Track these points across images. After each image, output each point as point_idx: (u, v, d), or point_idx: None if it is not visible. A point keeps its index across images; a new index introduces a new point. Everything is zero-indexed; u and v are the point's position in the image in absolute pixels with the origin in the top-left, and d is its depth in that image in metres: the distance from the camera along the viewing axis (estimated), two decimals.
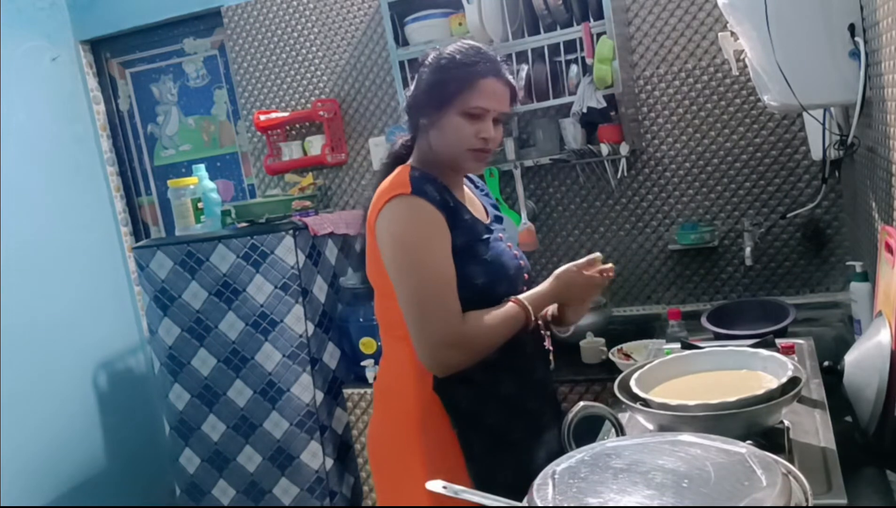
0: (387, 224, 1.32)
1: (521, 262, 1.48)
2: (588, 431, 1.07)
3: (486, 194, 1.60)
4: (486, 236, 1.40)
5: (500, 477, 1.29)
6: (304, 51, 2.90)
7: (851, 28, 1.44)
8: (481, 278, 1.36)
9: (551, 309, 1.51)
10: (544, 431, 1.40)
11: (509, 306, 1.35)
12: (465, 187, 1.50)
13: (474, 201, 1.51)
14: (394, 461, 1.42)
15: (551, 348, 1.53)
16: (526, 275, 1.49)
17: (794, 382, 1.05)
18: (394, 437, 1.42)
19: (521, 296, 1.37)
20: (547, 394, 1.50)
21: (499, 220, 1.54)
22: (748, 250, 2.25)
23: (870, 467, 1.13)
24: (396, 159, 1.48)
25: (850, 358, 1.29)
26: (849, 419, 1.27)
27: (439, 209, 1.32)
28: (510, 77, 1.41)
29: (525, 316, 1.35)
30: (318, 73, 2.90)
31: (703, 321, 2.03)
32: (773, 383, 1.05)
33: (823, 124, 1.69)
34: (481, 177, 1.90)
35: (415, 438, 1.38)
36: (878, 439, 1.14)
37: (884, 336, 1.18)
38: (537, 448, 1.36)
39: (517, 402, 1.40)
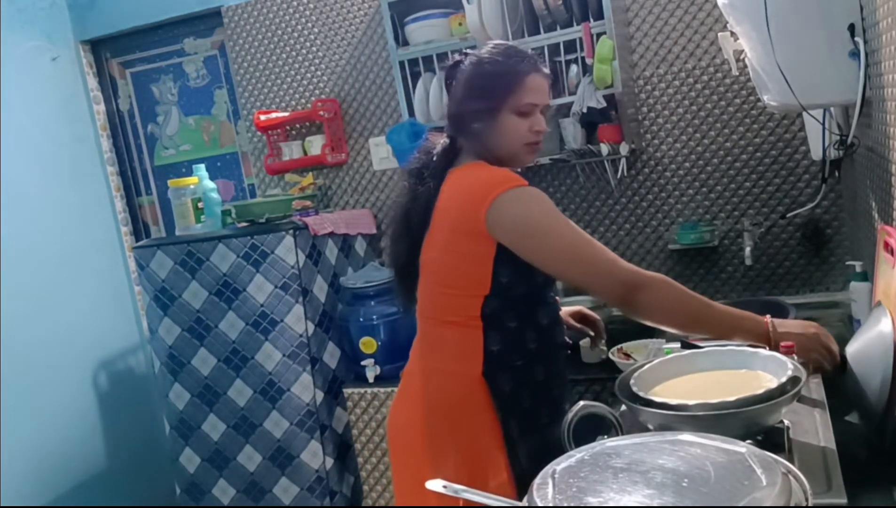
0: (523, 209, 1.36)
1: None
2: (588, 431, 1.07)
3: None
4: None
5: (533, 461, 1.34)
6: (304, 51, 2.90)
7: (851, 28, 1.44)
8: (541, 276, 1.43)
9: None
10: (563, 415, 1.44)
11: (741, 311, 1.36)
12: None
13: None
14: (425, 441, 1.44)
15: (569, 341, 1.65)
16: None
17: (794, 382, 1.05)
18: (430, 418, 1.44)
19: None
20: (565, 382, 1.57)
21: None
22: (748, 249, 2.26)
23: (870, 466, 1.13)
24: (449, 154, 1.50)
25: (851, 349, 1.29)
26: (849, 418, 1.27)
27: None
28: (547, 70, 1.49)
29: (758, 327, 1.31)
30: (318, 73, 2.90)
31: None
32: (773, 382, 1.05)
33: (823, 124, 1.69)
34: None
35: (456, 420, 1.42)
36: (881, 433, 1.14)
37: (885, 326, 1.18)
38: (557, 432, 1.39)
39: (546, 388, 1.47)
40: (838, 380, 1.30)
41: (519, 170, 1.49)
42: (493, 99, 1.43)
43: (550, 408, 1.47)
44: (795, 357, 1.16)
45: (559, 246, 1.36)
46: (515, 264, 1.38)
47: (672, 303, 1.34)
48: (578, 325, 1.73)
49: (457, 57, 1.53)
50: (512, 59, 1.45)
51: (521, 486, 1.34)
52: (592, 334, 1.76)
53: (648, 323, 1.37)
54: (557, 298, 1.65)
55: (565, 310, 1.68)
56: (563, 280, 1.45)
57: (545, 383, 1.47)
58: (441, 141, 1.53)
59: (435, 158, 1.50)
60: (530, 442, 1.43)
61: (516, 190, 1.37)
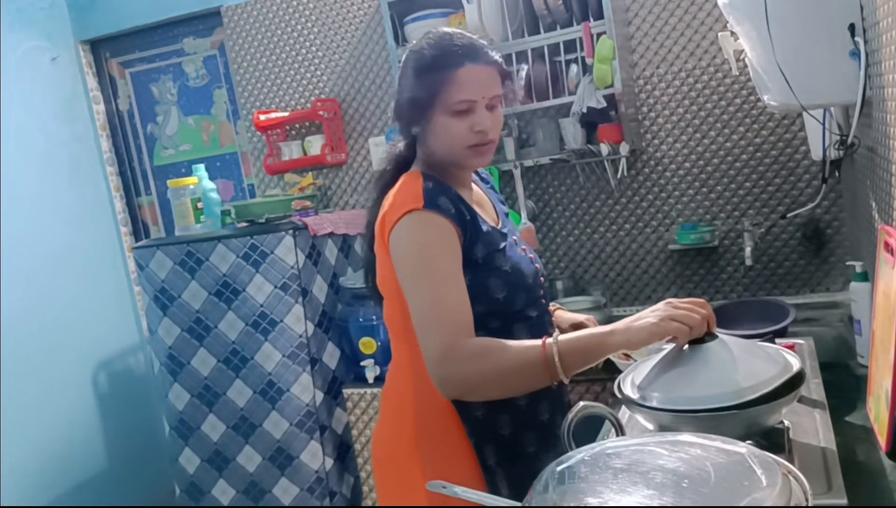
0: (400, 241, 1.24)
1: (537, 266, 1.44)
2: (588, 431, 1.07)
3: (492, 188, 1.56)
4: (503, 246, 1.34)
5: (517, 490, 1.23)
6: (304, 51, 2.90)
7: (851, 28, 1.44)
8: (502, 292, 1.30)
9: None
10: (558, 442, 1.35)
11: (530, 342, 1.19)
12: (473, 186, 1.45)
13: (484, 201, 1.46)
14: (400, 467, 1.36)
15: None
16: (542, 279, 1.44)
17: (794, 381, 1.04)
18: (403, 443, 1.36)
19: (552, 336, 1.19)
20: (561, 405, 1.42)
21: (506, 215, 1.50)
22: (748, 250, 2.26)
23: (870, 466, 1.13)
24: (400, 161, 1.41)
25: None
26: (849, 418, 1.27)
27: (454, 222, 1.26)
28: (492, 55, 1.30)
29: (543, 356, 1.15)
30: (318, 73, 2.90)
31: None
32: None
33: (823, 124, 1.69)
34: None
35: (426, 446, 1.33)
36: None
37: None
38: (551, 460, 1.33)
39: (529, 413, 1.34)
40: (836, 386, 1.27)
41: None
42: (422, 101, 1.27)
43: (538, 435, 1.34)
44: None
45: (407, 286, 1.24)
46: (469, 281, 1.25)
47: (483, 383, 1.18)
48: None
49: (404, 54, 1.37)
50: (442, 52, 1.27)
51: None
52: None
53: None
54: (556, 304, 1.57)
55: (566, 317, 1.53)
56: None
57: (529, 406, 1.33)
58: (398, 146, 1.43)
59: (391, 167, 1.41)
60: (513, 471, 1.30)
61: (405, 218, 1.23)
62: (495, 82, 1.30)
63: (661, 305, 1.15)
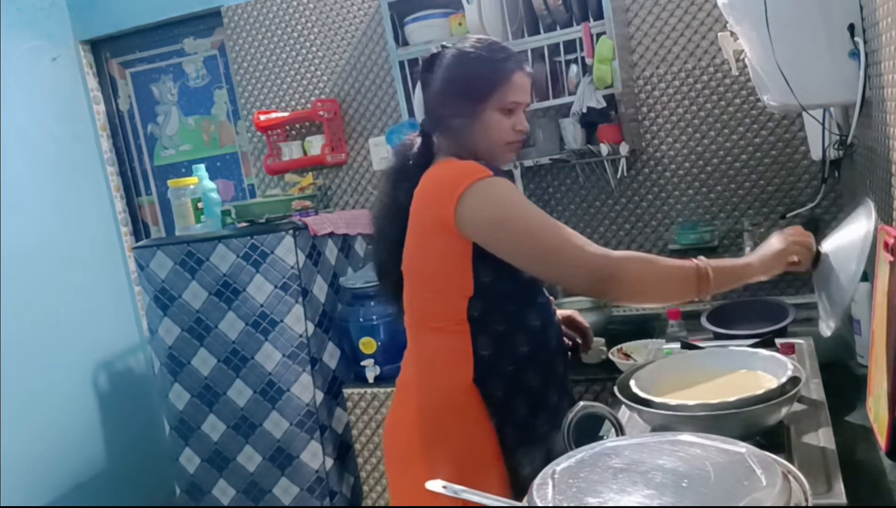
0: (484, 203, 1.29)
1: None
2: (588, 431, 1.07)
3: None
4: None
5: (532, 469, 1.28)
6: (304, 51, 2.90)
7: (851, 28, 1.44)
8: (525, 272, 1.37)
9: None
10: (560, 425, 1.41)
11: (681, 260, 1.31)
12: None
13: None
14: (420, 453, 1.39)
15: (570, 343, 1.60)
16: None
17: (793, 382, 1.05)
18: (426, 428, 1.40)
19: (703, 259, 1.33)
20: (566, 389, 1.51)
21: None
22: (748, 249, 2.25)
23: (870, 466, 1.13)
24: (419, 155, 1.45)
25: (827, 244, 1.34)
26: (849, 418, 1.28)
27: None
28: (531, 69, 1.45)
29: (697, 270, 1.28)
30: (318, 73, 2.90)
31: (703, 320, 2.03)
32: (772, 383, 1.05)
33: (823, 124, 1.69)
34: None
35: (451, 430, 1.37)
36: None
37: (864, 221, 1.18)
38: (558, 442, 1.37)
39: (542, 395, 1.41)
40: (836, 386, 1.29)
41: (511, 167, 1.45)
42: (477, 95, 1.37)
43: (549, 416, 1.41)
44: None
45: (523, 238, 1.30)
46: (495, 261, 1.32)
47: (644, 284, 1.28)
48: (567, 331, 1.64)
49: (434, 50, 1.46)
50: (498, 56, 1.40)
51: (520, 497, 1.31)
52: (580, 341, 1.66)
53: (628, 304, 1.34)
54: (553, 298, 1.62)
55: (559, 313, 1.62)
56: (532, 274, 1.36)
57: (541, 389, 1.41)
58: (416, 141, 1.48)
59: (410, 160, 1.45)
60: (530, 451, 1.37)
61: (482, 182, 1.30)
62: (531, 92, 1.46)
63: (774, 235, 1.36)
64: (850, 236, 1.24)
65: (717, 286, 1.28)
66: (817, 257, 1.34)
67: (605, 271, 1.25)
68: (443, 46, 1.45)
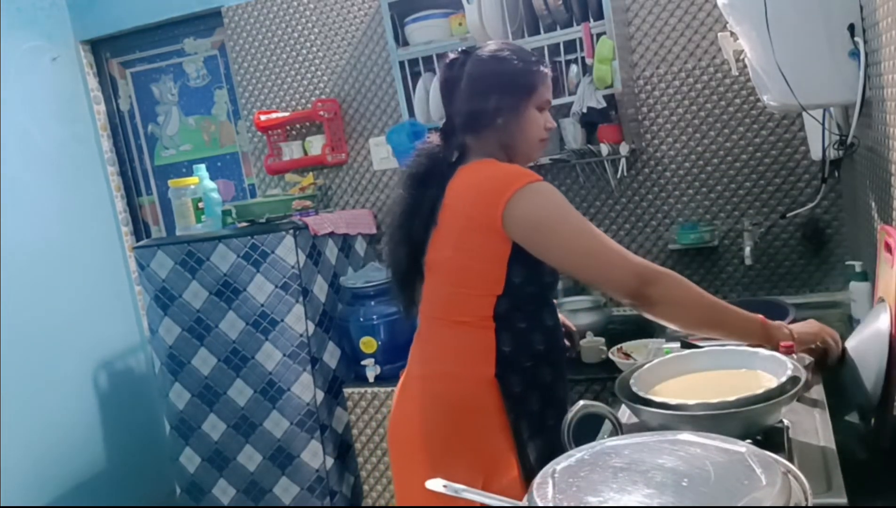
0: (534, 206, 1.37)
1: None
2: (588, 430, 1.08)
3: None
4: None
5: (542, 463, 1.29)
6: (304, 51, 2.91)
7: (851, 28, 1.44)
8: (549, 277, 1.46)
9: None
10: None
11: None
12: None
13: None
14: (438, 445, 1.41)
15: (568, 343, 1.67)
16: None
17: (793, 381, 1.05)
18: (441, 421, 1.42)
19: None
20: (567, 385, 1.58)
21: None
22: (748, 249, 2.26)
23: (870, 466, 1.14)
24: (445, 155, 1.47)
25: (850, 344, 1.30)
26: (849, 418, 1.28)
27: None
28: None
29: (759, 329, 1.30)
30: (318, 73, 2.90)
31: None
32: (772, 382, 1.06)
33: (823, 124, 1.69)
34: None
35: (466, 423, 1.40)
36: (877, 429, 1.14)
37: (883, 322, 1.18)
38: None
39: (552, 390, 1.48)
40: (838, 375, 1.30)
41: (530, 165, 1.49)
42: (522, 92, 1.44)
43: (556, 410, 1.45)
44: (795, 356, 1.17)
45: (572, 242, 1.37)
46: (528, 263, 1.38)
47: (684, 300, 1.31)
48: None
49: (452, 55, 1.50)
50: (530, 57, 1.48)
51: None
52: (568, 343, 1.70)
53: (659, 320, 1.35)
54: (555, 300, 1.66)
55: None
56: (576, 277, 1.44)
57: (552, 384, 1.47)
58: (438, 141, 1.50)
59: (441, 159, 1.47)
60: (539, 444, 1.42)
61: (532, 186, 1.36)
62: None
63: (814, 322, 1.38)
64: (870, 336, 1.25)
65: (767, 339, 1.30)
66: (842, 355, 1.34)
67: (647, 275, 1.31)
68: (464, 52, 1.49)
